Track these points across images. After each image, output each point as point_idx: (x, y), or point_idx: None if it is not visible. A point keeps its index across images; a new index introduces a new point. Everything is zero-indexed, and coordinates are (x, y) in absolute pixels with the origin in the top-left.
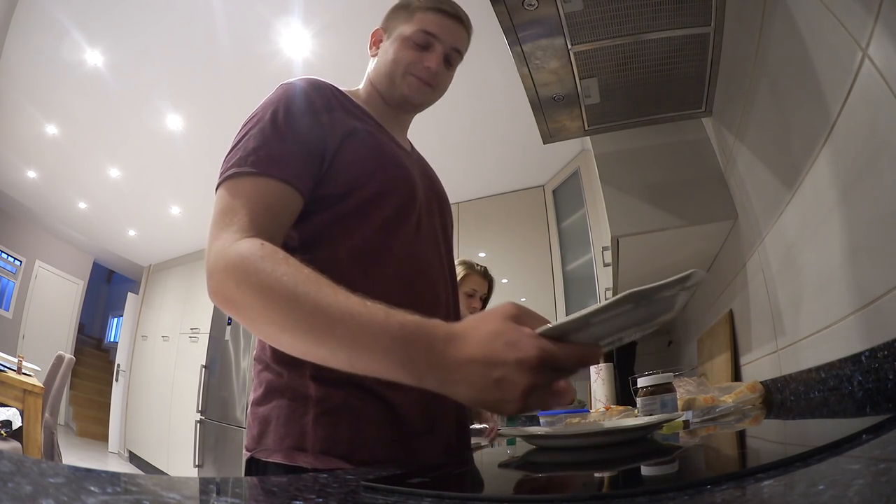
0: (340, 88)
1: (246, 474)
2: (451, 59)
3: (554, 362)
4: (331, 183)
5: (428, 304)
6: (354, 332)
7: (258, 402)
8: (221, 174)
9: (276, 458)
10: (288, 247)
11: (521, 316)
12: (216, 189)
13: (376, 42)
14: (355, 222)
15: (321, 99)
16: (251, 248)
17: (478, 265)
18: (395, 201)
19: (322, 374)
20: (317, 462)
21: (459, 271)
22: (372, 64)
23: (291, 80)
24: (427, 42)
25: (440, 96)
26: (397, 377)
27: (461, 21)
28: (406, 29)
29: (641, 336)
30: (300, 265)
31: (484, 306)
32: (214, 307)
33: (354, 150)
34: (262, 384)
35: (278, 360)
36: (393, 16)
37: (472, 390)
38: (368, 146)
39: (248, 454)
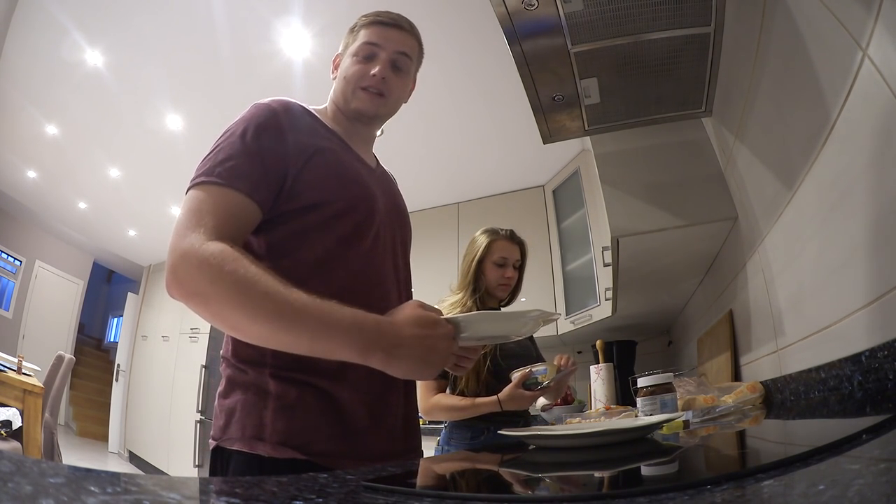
0: (310, 108)
1: (212, 462)
2: (399, 63)
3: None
4: (297, 198)
5: (379, 311)
6: (318, 319)
7: (223, 395)
8: (193, 179)
9: (237, 447)
10: (254, 253)
11: (426, 305)
12: (187, 191)
13: (336, 66)
14: (317, 235)
15: (289, 120)
16: (222, 249)
17: (503, 229)
18: (354, 218)
19: (280, 373)
20: (273, 452)
21: (482, 240)
22: (333, 86)
23: (265, 100)
24: (371, 53)
25: (396, 104)
26: (348, 356)
27: (402, 27)
28: (352, 47)
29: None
30: (265, 268)
31: (520, 276)
32: None
33: (319, 169)
34: (228, 379)
35: (242, 359)
36: (344, 40)
37: (412, 356)
38: (332, 165)
39: (215, 443)
